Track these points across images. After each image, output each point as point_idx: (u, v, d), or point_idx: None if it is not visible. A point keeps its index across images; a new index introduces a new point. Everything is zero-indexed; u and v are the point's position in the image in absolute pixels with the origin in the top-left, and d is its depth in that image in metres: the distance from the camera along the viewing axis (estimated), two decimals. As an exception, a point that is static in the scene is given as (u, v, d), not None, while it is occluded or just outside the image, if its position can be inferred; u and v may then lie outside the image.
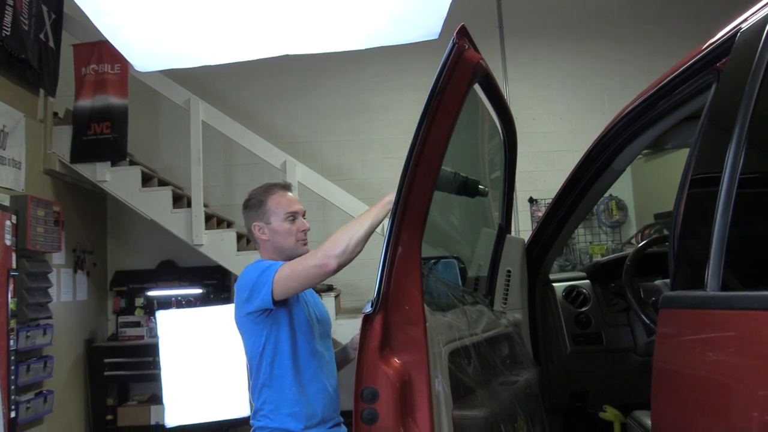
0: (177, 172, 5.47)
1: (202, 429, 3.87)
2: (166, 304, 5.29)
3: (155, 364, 4.38)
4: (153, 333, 5.02)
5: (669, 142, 2.10)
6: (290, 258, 2.08)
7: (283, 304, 1.96)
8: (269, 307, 1.92)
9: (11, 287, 3.55)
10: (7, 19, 3.94)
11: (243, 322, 2.02)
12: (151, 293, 5.40)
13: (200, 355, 3.89)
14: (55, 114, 4.77)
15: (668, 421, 1.19)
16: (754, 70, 1.08)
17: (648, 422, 1.66)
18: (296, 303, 2.03)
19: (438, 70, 1.34)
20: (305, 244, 2.12)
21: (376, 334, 1.37)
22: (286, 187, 2.20)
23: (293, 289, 1.92)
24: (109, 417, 4.99)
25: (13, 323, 3.56)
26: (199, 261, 5.20)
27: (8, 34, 3.94)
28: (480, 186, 1.78)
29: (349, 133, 5.93)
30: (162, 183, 4.98)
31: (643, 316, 1.98)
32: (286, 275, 1.89)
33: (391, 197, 1.69)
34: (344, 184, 5.09)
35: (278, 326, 1.98)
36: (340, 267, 1.83)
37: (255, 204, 2.13)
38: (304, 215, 2.15)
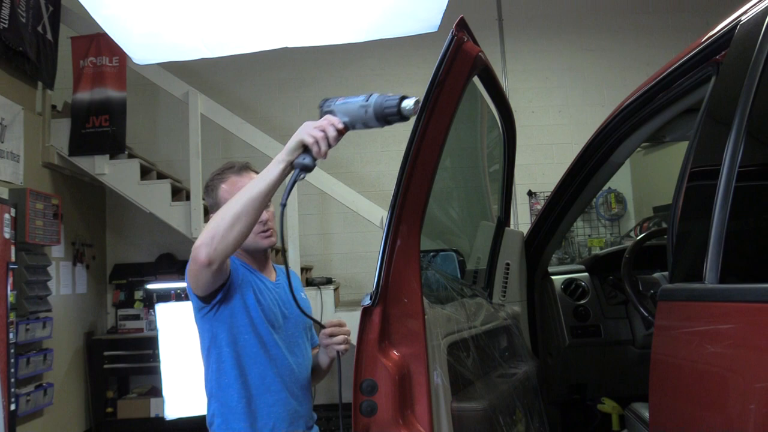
0: (176, 165, 5.47)
1: (202, 421, 3.88)
2: (166, 297, 5.30)
3: (155, 357, 4.39)
4: (152, 326, 5.03)
5: (668, 135, 2.10)
6: (253, 252, 1.84)
7: (224, 301, 1.70)
8: (200, 304, 1.70)
9: (10, 280, 3.55)
10: (5, 12, 3.92)
11: (195, 320, 1.78)
12: (150, 286, 5.41)
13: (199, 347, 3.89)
14: (54, 107, 4.76)
15: (666, 413, 1.20)
16: (753, 62, 1.08)
17: (646, 414, 1.66)
18: (241, 300, 1.74)
19: (437, 62, 1.34)
20: (268, 236, 1.81)
21: (375, 327, 1.37)
22: (242, 168, 1.85)
23: (196, 286, 1.64)
24: (109, 409, 5.01)
25: (12, 316, 3.57)
26: (198, 254, 5.19)
27: (6, 26, 3.92)
28: (405, 101, 1.36)
29: (348, 125, 5.91)
30: (161, 176, 4.97)
31: (642, 309, 1.99)
32: (187, 270, 1.63)
33: (282, 155, 1.45)
34: (343, 177, 5.08)
35: (219, 327, 1.72)
36: (212, 256, 1.48)
37: (209, 190, 1.84)
38: None
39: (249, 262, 1.85)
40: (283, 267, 1.94)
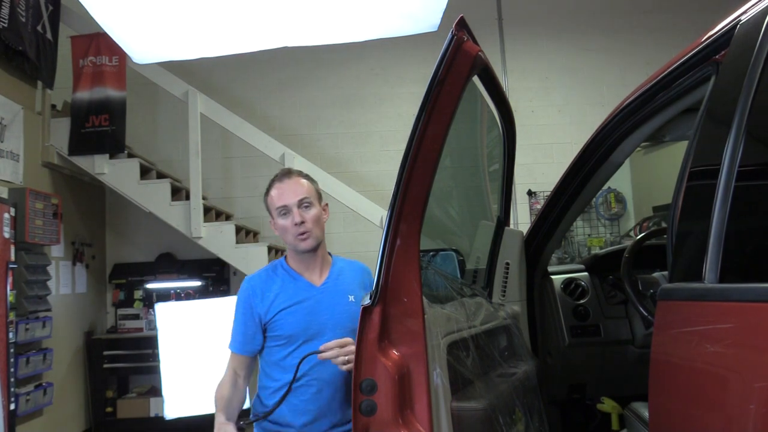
0: (175, 164, 5.47)
1: (202, 421, 3.88)
2: (165, 296, 5.30)
3: (154, 357, 4.39)
4: (152, 325, 5.03)
5: (668, 134, 2.10)
6: (300, 253, 1.96)
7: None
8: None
9: (10, 280, 3.55)
10: (5, 11, 3.93)
11: None
12: (149, 286, 5.41)
13: (199, 347, 3.90)
14: (53, 106, 4.76)
15: (666, 413, 1.20)
16: (753, 62, 1.08)
17: (645, 414, 1.66)
18: (275, 316, 1.91)
19: (437, 62, 1.34)
20: (304, 239, 1.90)
21: (374, 326, 1.37)
22: (284, 175, 1.98)
23: None
24: (109, 409, 5.02)
25: (12, 316, 3.57)
26: (197, 253, 5.20)
27: (5, 26, 3.92)
28: None
29: (347, 125, 5.92)
30: (160, 175, 4.97)
31: (641, 308, 1.99)
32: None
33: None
34: (342, 177, 5.09)
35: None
36: None
37: (264, 199, 2.02)
38: (301, 204, 1.91)
39: (294, 266, 1.98)
40: (345, 262, 2.09)
